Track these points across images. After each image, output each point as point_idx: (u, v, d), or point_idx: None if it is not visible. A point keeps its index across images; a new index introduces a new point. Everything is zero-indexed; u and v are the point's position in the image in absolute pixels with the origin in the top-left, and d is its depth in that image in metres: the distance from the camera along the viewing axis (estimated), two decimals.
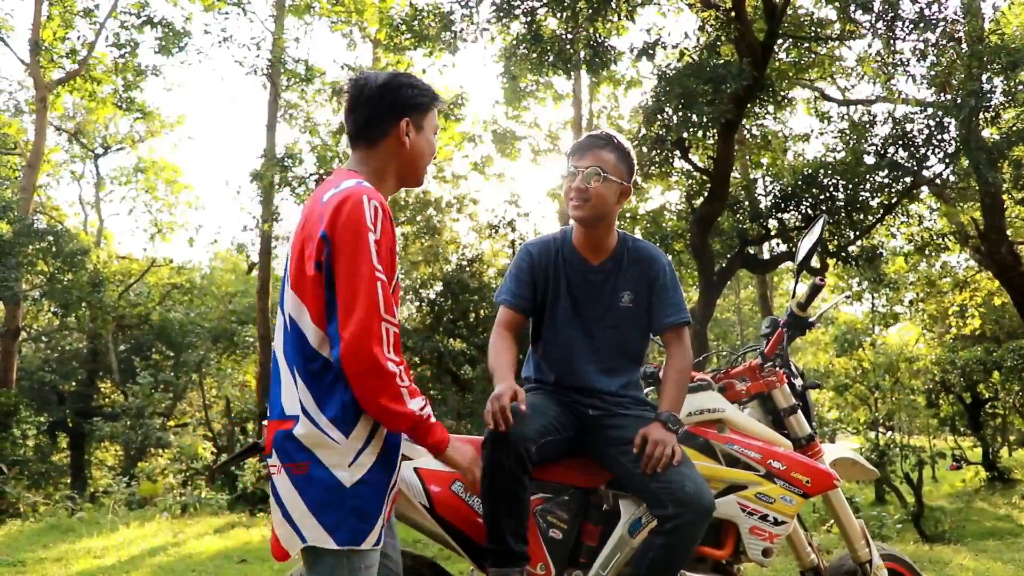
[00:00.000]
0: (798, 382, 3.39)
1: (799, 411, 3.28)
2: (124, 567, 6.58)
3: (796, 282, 3.44)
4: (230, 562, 6.76)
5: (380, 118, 2.35)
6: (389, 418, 2.16)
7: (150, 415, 18.66)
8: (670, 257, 12.99)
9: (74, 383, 22.68)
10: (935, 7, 10.36)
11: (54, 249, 19.68)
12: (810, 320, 3.31)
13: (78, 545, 7.58)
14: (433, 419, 2.24)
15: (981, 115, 11.18)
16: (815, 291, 3.23)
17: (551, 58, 11.61)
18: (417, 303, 14.48)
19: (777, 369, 3.29)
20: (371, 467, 2.25)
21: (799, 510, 3.03)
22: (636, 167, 3.07)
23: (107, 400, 23.32)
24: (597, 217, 2.98)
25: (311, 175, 18.06)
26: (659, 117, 11.36)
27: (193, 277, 25.95)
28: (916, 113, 12.24)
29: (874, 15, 10.51)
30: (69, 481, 21.05)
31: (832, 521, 3.45)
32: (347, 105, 2.41)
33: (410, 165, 2.42)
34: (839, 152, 13.19)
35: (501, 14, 11.35)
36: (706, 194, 13.00)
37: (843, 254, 13.08)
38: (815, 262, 13.36)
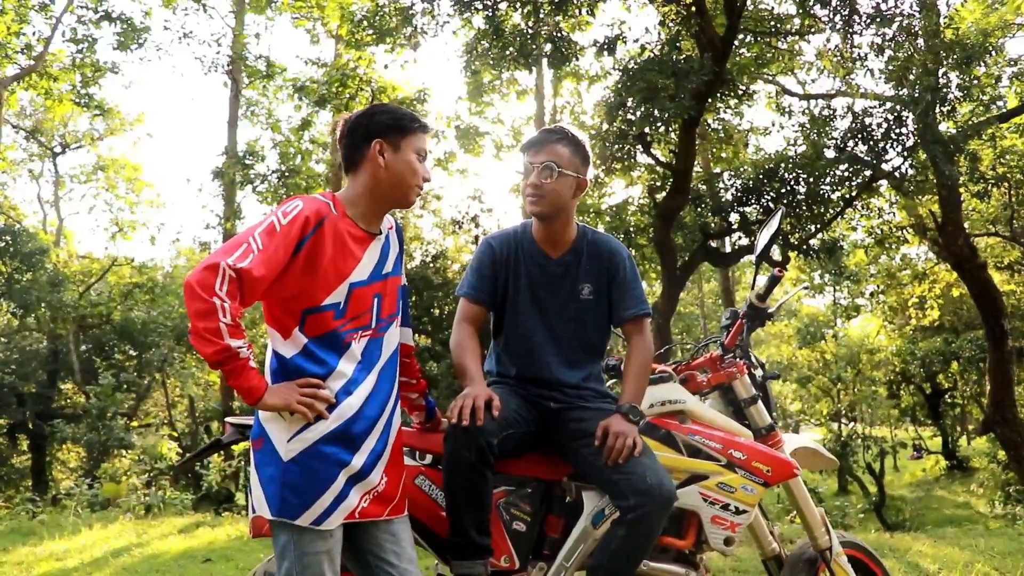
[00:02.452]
0: (758, 373, 3.42)
1: (759, 401, 3.31)
2: (87, 569, 6.50)
3: (755, 274, 3.47)
4: (195, 562, 6.69)
5: (357, 145, 2.52)
6: (201, 343, 2.19)
7: (112, 416, 18.42)
8: (633, 251, 12.98)
9: (34, 384, 22.31)
10: (891, 1, 10.49)
11: (12, 249, 19.39)
12: (769, 311, 3.35)
13: (39, 548, 7.45)
14: (252, 363, 2.27)
15: (938, 109, 11.31)
16: (773, 282, 3.27)
17: (513, 53, 11.61)
18: None
19: (737, 360, 3.33)
20: (310, 448, 2.37)
21: (760, 499, 3.07)
22: (592, 159, 3.09)
23: (68, 401, 23.01)
24: (553, 212, 3.00)
25: (273, 172, 17.95)
26: (621, 112, 11.39)
27: (155, 276, 25.63)
28: (875, 107, 12.37)
29: (831, 9, 10.61)
30: (30, 484, 20.74)
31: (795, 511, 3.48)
32: (337, 142, 2.61)
33: (392, 185, 2.52)
34: (800, 146, 13.30)
35: (462, 8, 11.33)
36: (668, 188, 13.06)
37: (804, 247, 13.22)
38: (777, 255, 13.48)
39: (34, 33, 19.74)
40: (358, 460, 2.43)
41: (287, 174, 18.24)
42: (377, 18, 12.68)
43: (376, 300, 2.53)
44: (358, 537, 2.53)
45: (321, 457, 2.37)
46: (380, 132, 2.50)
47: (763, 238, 3.39)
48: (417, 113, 2.62)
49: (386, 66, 16.96)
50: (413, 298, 13.77)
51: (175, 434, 21.40)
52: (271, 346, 2.47)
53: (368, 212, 2.54)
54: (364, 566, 2.56)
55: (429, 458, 2.99)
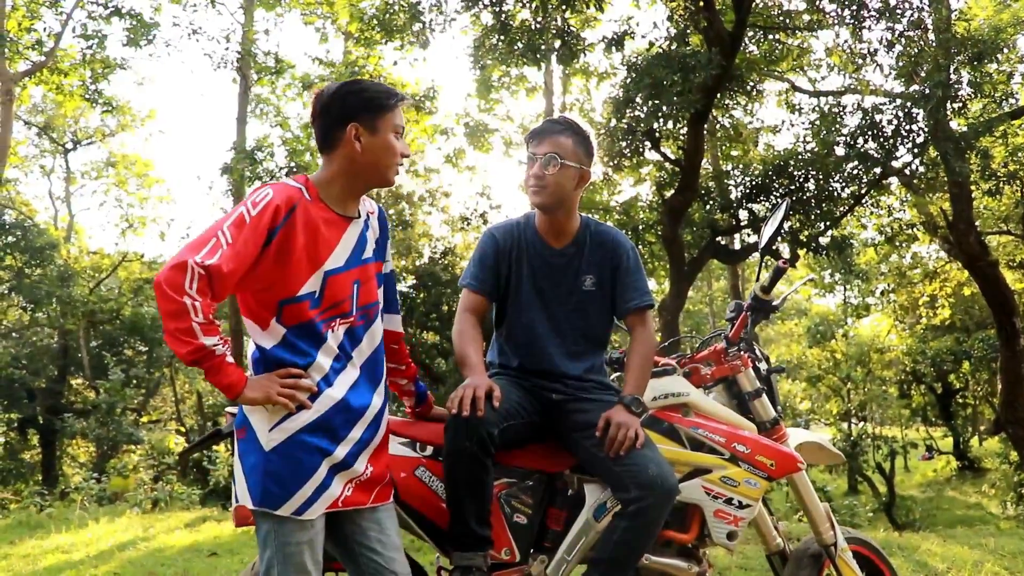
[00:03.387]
0: (763, 366, 3.39)
1: (764, 395, 3.28)
2: (92, 562, 6.51)
3: (760, 266, 3.44)
4: (200, 556, 6.70)
5: (331, 127, 2.44)
6: (175, 343, 2.17)
7: (122, 411, 18.47)
8: (641, 248, 12.92)
9: (44, 379, 22.39)
10: None
11: (22, 244, 19.44)
12: (774, 303, 3.31)
13: (46, 541, 7.48)
14: (228, 359, 2.23)
15: (949, 106, 11.24)
16: (778, 274, 3.24)
17: (520, 49, 11.58)
18: None
19: (742, 353, 3.30)
20: (291, 437, 2.35)
21: (764, 493, 3.05)
22: (598, 153, 3.07)
23: (78, 396, 23.08)
24: (555, 203, 2.98)
25: (281, 169, 17.95)
26: (629, 108, 11.35)
27: None
28: (885, 104, 12.30)
29: (840, 4, 10.54)
30: (40, 478, 20.83)
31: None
32: (311, 119, 2.52)
33: (369, 167, 2.45)
34: (809, 143, 13.24)
35: (469, 4, 11.31)
36: (677, 185, 13.02)
37: (814, 245, 13.15)
38: (786, 253, 13.43)
39: (45, 29, 19.83)
40: (341, 450, 2.42)
41: (296, 171, 18.24)
42: (386, 15, 12.65)
43: (355, 287, 2.49)
44: (343, 526, 2.52)
45: (303, 446, 2.36)
46: (355, 114, 2.42)
47: (768, 231, 3.36)
48: (393, 86, 2.55)
49: (395, 63, 16.99)
50: (422, 294, 13.78)
51: (183, 429, 21.44)
52: (252, 338, 2.45)
53: (343, 194, 2.48)
54: (350, 555, 2.55)
55: (430, 449, 2.97)
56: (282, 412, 2.34)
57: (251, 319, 2.42)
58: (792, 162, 12.78)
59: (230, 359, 2.24)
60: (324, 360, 2.41)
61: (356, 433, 2.46)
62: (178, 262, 2.15)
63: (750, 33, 12.76)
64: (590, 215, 3.20)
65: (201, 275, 2.15)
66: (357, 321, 2.50)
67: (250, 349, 2.47)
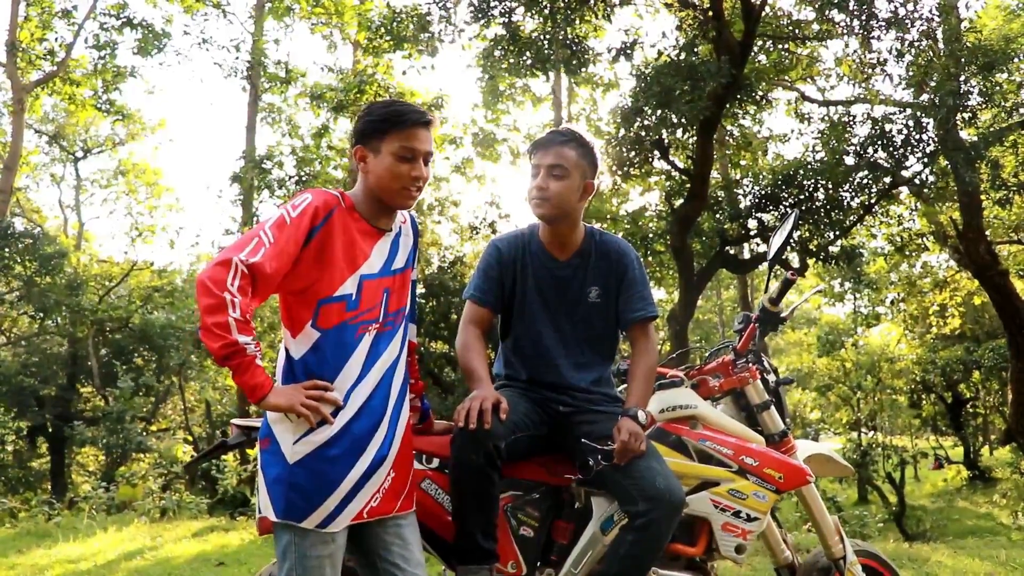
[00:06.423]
0: (771, 378, 3.37)
1: (772, 407, 3.26)
2: (100, 572, 6.51)
3: (769, 277, 3.42)
4: (208, 565, 6.69)
5: (353, 149, 2.53)
6: (209, 338, 2.18)
7: (131, 419, 18.47)
8: (650, 257, 12.85)
9: (54, 387, 22.39)
10: (909, 6, 10.40)
11: (32, 251, 19.49)
12: (782, 315, 3.29)
13: (54, 550, 7.48)
14: (258, 361, 2.23)
15: (959, 115, 11.22)
16: (786, 286, 3.22)
17: (528, 59, 11.59)
18: None
19: (750, 365, 3.27)
20: (316, 450, 2.35)
21: (772, 506, 3.02)
22: (605, 163, 3.07)
23: (87, 404, 23.10)
24: (559, 215, 2.96)
25: (291, 178, 18.00)
26: (638, 117, 11.34)
27: (174, 280, 25.75)
28: (895, 114, 12.28)
29: (849, 14, 10.53)
30: (49, 486, 20.84)
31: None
32: None
33: (377, 188, 2.48)
34: (819, 152, 13.21)
35: (479, 15, 11.32)
36: (686, 194, 13.00)
37: (823, 254, 13.10)
38: (796, 262, 13.38)
39: (57, 39, 19.97)
40: (365, 460, 2.41)
41: (305, 179, 18.30)
42: (394, 25, 12.67)
43: (385, 294, 2.50)
44: (366, 539, 2.51)
45: (327, 460, 2.35)
46: (360, 137, 2.49)
47: (776, 241, 3.35)
48: (415, 107, 2.55)
49: (404, 72, 17.02)
50: (431, 303, 13.76)
51: (191, 438, 21.45)
52: (283, 346, 2.46)
53: (371, 211, 2.51)
54: (371, 569, 2.53)
55: (436, 462, 2.96)
56: (306, 424, 2.33)
57: (287, 323, 2.43)
58: (802, 171, 12.74)
59: (260, 362, 2.25)
60: (353, 366, 2.41)
61: (378, 439, 2.45)
62: (223, 259, 2.19)
63: (759, 42, 12.74)
64: (597, 225, 3.18)
65: (244, 273, 2.18)
66: (384, 327, 2.51)
67: (279, 360, 2.47)
